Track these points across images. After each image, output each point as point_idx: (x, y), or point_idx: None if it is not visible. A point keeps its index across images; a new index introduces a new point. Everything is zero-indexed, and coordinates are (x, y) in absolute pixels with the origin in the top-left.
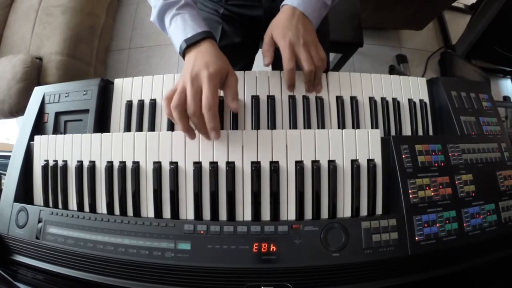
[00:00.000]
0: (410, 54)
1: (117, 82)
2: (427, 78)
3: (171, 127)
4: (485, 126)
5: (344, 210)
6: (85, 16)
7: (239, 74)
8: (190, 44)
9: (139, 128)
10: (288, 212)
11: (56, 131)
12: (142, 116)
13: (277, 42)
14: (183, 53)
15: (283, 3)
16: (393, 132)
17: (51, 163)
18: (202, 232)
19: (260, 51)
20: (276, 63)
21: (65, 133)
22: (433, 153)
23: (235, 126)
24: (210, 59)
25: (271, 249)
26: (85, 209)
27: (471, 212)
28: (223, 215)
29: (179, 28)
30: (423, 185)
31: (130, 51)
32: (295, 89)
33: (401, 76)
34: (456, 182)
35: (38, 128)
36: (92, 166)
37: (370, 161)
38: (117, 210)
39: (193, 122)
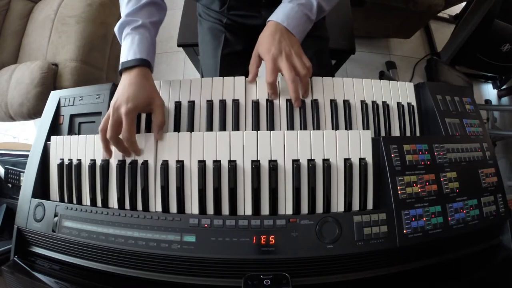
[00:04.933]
0: (399, 61)
1: None
2: (414, 83)
3: (177, 128)
4: (468, 128)
5: (338, 205)
6: (98, 25)
7: (241, 80)
8: (125, 68)
9: (147, 129)
10: (286, 207)
11: (71, 132)
12: (149, 118)
13: (263, 57)
14: (120, 73)
15: (268, 19)
16: (383, 133)
17: (66, 162)
18: (206, 225)
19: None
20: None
21: (79, 134)
22: (420, 153)
23: (236, 127)
24: (133, 93)
25: (270, 241)
26: (97, 204)
27: (455, 207)
28: (225, 209)
29: (126, 48)
30: (411, 182)
31: None
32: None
33: (390, 81)
34: (441, 179)
35: (54, 129)
36: (104, 164)
37: (362, 160)
38: (127, 205)
39: (111, 143)
